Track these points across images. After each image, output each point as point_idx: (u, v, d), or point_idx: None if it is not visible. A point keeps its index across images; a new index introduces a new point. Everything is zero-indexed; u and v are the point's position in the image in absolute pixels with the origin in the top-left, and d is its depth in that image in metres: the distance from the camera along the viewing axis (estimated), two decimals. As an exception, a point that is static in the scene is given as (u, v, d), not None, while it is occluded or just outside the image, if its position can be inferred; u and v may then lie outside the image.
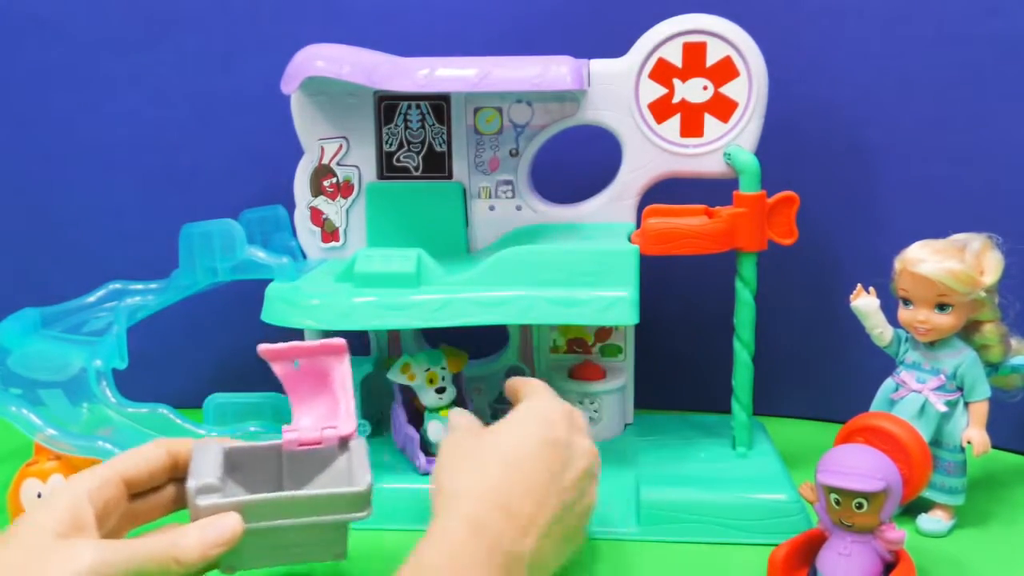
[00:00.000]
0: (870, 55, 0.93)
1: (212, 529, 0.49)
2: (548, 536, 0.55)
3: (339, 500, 0.54)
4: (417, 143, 0.90)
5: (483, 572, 0.49)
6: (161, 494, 0.55)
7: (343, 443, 0.60)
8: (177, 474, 0.54)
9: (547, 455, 0.58)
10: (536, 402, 0.63)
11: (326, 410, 0.59)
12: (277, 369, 0.54)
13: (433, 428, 0.82)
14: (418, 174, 0.91)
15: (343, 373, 0.57)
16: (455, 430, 0.63)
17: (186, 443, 0.54)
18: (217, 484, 0.51)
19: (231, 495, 0.54)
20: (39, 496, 0.77)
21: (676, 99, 0.86)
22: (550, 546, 0.56)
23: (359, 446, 0.60)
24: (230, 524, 0.49)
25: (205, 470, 0.53)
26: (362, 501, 0.54)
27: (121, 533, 0.51)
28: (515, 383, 0.70)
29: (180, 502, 0.55)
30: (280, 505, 0.52)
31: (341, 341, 0.55)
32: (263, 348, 0.55)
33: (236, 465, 0.57)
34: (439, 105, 0.89)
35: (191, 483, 0.51)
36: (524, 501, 0.54)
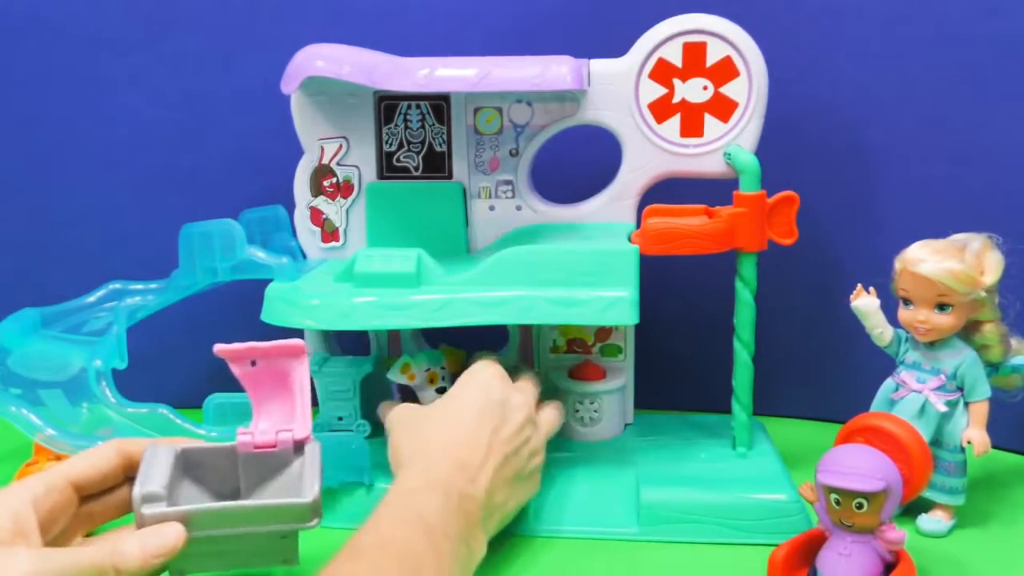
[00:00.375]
0: (870, 55, 0.93)
1: (154, 538, 0.48)
2: (497, 479, 0.67)
3: (285, 511, 0.53)
4: (417, 143, 0.90)
5: (440, 512, 0.59)
6: (116, 494, 0.55)
7: (298, 447, 0.60)
8: (132, 473, 0.54)
9: (486, 413, 0.70)
10: (472, 373, 0.76)
11: (284, 413, 0.58)
12: (235, 370, 0.54)
13: None
14: (418, 174, 0.91)
15: (302, 375, 0.57)
16: (399, 409, 0.77)
17: (140, 443, 0.55)
18: (162, 492, 0.51)
19: (183, 497, 0.54)
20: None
21: (676, 99, 0.86)
22: (501, 486, 0.68)
23: (314, 451, 0.59)
24: (172, 534, 0.49)
25: (152, 476, 0.52)
26: (309, 512, 0.54)
27: (75, 536, 0.51)
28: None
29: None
30: (225, 515, 0.51)
31: (299, 342, 0.55)
32: (219, 348, 0.55)
33: (191, 464, 0.57)
34: (439, 105, 0.89)
35: (136, 490, 0.51)
36: (470, 452, 0.66)
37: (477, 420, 0.70)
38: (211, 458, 0.58)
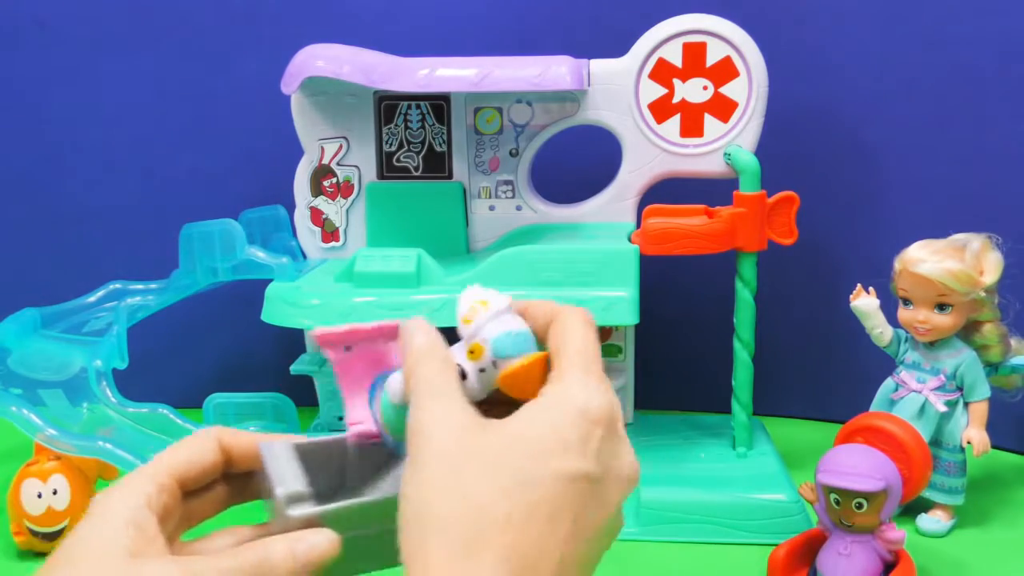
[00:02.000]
0: (870, 55, 0.93)
1: (303, 546, 0.42)
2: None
3: None
4: (417, 143, 0.90)
5: None
6: (214, 491, 0.48)
7: None
8: (230, 469, 0.48)
9: (571, 495, 0.38)
10: (562, 396, 0.39)
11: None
12: (331, 355, 0.48)
13: None
14: (418, 174, 0.91)
15: (397, 358, 0.50)
16: (445, 426, 0.38)
17: (235, 435, 0.48)
18: (307, 492, 0.45)
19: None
20: (39, 496, 0.77)
21: (676, 99, 0.86)
22: None
23: None
24: (323, 541, 0.42)
25: (287, 474, 0.46)
26: None
27: (175, 539, 0.45)
28: (534, 309, 0.42)
29: (231, 500, 0.49)
30: (374, 511, 0.45)
31: (395, 322, 0.48)
32: (319, 332, 0.47)
33: (302, 461, 0.52)
34: (439, 105, 0.89)
35: (280, 491, 0.44)
36: (538, 558, 0.36)
37: (554, 500, 0.37)
38: (320, 453, 0.49)
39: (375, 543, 0.46)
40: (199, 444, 0.45)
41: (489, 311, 0.41)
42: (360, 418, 0.49)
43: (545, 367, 0.40)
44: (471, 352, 0.40)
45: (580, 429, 0.38)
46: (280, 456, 0.47)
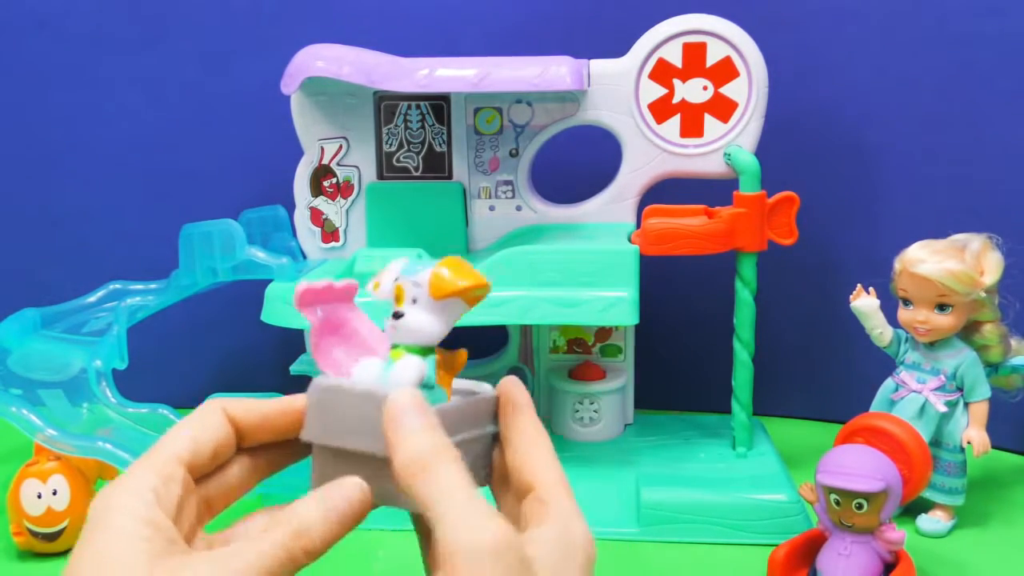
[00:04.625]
0: (870, 55, 0.93)
1: (334, 499, 0.36)
2: None
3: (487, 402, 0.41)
4: (417, 143, 0.90)
5: None
6: (229, 472, 0.40)
7: None
8: (243, 444, 0.41)
9: None
10: (566, 533, 0.37)
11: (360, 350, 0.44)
12: (311, 318, 0.43)
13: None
14: (418, 174, 0.91)
15: (358, 318, 0.44)
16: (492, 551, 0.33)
17: (243, 404, 0.41)
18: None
19: None
20: (39, 497, 0.77)
21: (676, 99, 0.86)
22: None
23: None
24: (354, 488, 0.37)
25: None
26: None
27: (196, 533, 0.38)
28: (507, 408, 0.41)
29: (253, 477, 0.41)
30: (466, 413, 0.39)
31: (351, 283, 0.44)
32: (303, 288, 0.41)
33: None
34: (439, 105, 0.89)
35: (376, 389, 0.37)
36: None
37: None
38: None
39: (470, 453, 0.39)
40: (203, 421, 0.39)
41: (388, 269, 0.41)
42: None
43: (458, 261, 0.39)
44: (397, 298, 0.40)
45: (586, 570, 0.36)
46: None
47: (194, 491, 0.38)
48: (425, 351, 0.38)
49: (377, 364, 0.39)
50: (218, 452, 0.39)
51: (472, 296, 0.38)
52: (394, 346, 0.39)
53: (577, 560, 0.36)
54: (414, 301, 0.39)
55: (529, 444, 0.39)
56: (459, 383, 0.41)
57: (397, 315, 0.39)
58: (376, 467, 0.37)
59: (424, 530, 0.38)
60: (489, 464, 0.42)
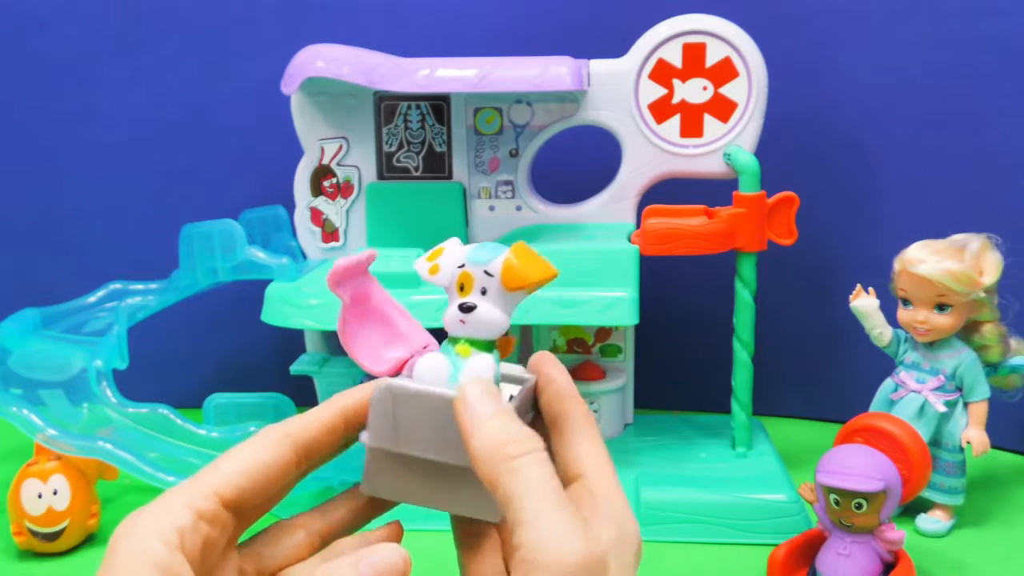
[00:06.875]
0: (870, 55, 0.93)
1: (372, 566, 0.32)
2: None
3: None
4: (417, 143, 0.90)
5: None
6: (280, 544, 0.36)
7: None
8: (306, 469, 0.36)
9: None
10: (625, 527, 0.35)
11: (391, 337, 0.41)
12: (344, 295, 0.39)
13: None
14: (418, 174, 0.91)
15: (380, 294, 0.41)
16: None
17: (300, 421, 0.36)
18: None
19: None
20: (39, 496, 0.77)
21: (676, 99, 0.86)
22: None
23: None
24: (394, 557, 0.33)
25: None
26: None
27: (228, 553, 0.34)
28: (553, 392, 0.37)
29: (303, 552, 0.36)
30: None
31: (365, 254, 0.40)
32: (341, 264, 0.38)
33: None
34: (439, 105, 0.89)
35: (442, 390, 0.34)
36: None
37: None
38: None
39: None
40: (256, 447, 0.34)
41: (447, 251, 0.37)
42: (379, 366, 0.38)
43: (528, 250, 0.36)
44: (461, 287, 0.36)
45: (636, 564, 0.34)
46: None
47: (230, 525, 0.34)
48: (490, 345, 0.36)
49: (442, 362, 0.36)
50: (271, 485, 0.35)
51: (538, 286, 0.36)
52: (455, 340, 0.36)
53: (629, 558, 0.34)
54: (483, 292, 0.35)
55: (576, 430, 0.36)
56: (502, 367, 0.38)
57: (467, 308, 0.35)
58: (443, 474, 0.35)
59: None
60: None
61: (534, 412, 0.37)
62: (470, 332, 0.35)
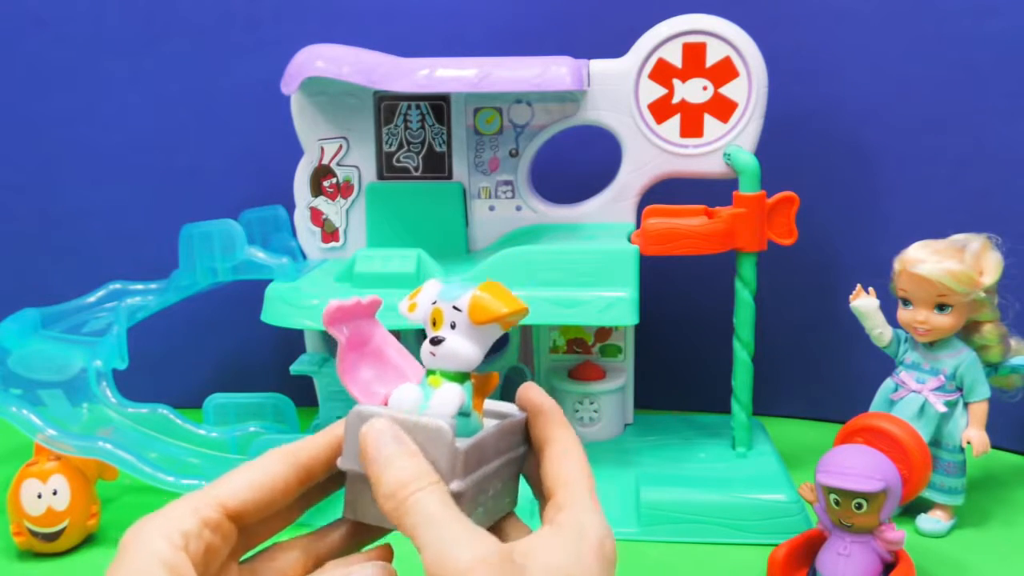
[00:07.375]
0: (870, 55, 0.93)
1: None
2: None
3: (514, 425, 0.40)
4: (417, 143, 0.90)
5: None
6: (276, 560, 0.38)
7: None
8: (310, 487, 0.39)
9: None
10: (577, 526, 0.37)
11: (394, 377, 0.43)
12: (340, 336, 0.41)
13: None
14: (418, 174, 0.91)
15: (382, 337, 0.44)
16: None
17: (305, 443, 0.39)
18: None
19: None
20: (39, 497, 0.77)
21: (676, 99, 0.86)
22: None
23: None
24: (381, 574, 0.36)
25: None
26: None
27: (230, 568, 0.37)
28: (537, 419, 0.41)
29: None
30: (488, 444, 0.38)
31: (371, 299, 0.43)
32: (335, 306, 0.40)
33: None
34: (439, 105, 0.89)
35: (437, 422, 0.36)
36: None
37: None
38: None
39: (492, 485, 0.39)
40: (263, 464, 0.37)
41: (423, 290, 0.39)
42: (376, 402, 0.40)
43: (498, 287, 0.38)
44: (434, 323, 0.38)
45: (601, 566, 0.36)
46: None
47: (233, 536, 0.36)
48: (462, 377, 0.38)
49: (414, 391, 0.38)
50: (275, 500, 0.37)
51: (509, 321, 0.38)
52: (430, 372, 0.38)
53: (587, 558, 0.35)
54: (453, 326, 0.38)
55: (556, 454, 0.39)
56: (488, 404, 0.41)
57: (436, 340, 0.38)
58: None
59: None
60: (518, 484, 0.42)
61: (527, 446, 0.40)
62: (440, 364, 0.38)
